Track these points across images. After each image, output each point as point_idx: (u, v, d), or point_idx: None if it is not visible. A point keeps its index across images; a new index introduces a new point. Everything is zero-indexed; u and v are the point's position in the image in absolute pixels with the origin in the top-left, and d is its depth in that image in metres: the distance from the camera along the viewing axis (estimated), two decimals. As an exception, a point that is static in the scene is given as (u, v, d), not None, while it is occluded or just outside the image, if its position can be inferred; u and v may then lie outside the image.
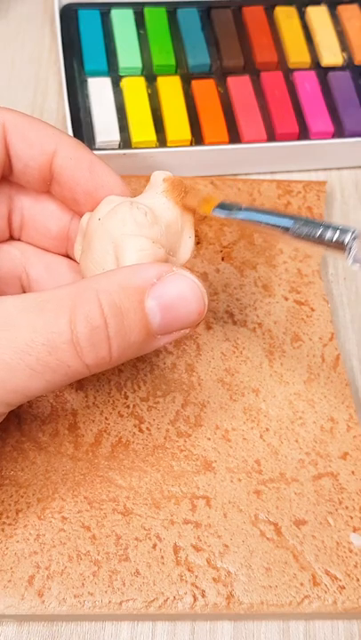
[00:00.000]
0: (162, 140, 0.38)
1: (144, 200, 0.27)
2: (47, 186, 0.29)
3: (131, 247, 0.25)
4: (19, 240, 0.31)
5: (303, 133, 0.40)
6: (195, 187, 0.27)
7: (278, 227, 0.26)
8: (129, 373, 0.32)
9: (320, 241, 0.25)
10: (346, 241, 0.24)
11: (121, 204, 0.26)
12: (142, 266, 0.24)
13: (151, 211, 0.26)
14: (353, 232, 0.25)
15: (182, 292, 0.23)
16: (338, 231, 0.25)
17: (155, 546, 0.28)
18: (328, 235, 0.25)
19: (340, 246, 0.25)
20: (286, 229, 0.26)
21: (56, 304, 0.23)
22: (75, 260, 0.29)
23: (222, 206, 0.27)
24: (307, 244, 0.25)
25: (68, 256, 0.31)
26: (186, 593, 0.27)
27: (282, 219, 0.26)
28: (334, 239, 0.25)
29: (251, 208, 0.27)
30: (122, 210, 0.26)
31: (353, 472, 0.30)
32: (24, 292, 0.30)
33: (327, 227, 0.25)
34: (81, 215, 0.28)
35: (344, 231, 0.24)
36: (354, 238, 0.25)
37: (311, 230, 0.25)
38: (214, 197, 0.28)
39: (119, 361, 0.24)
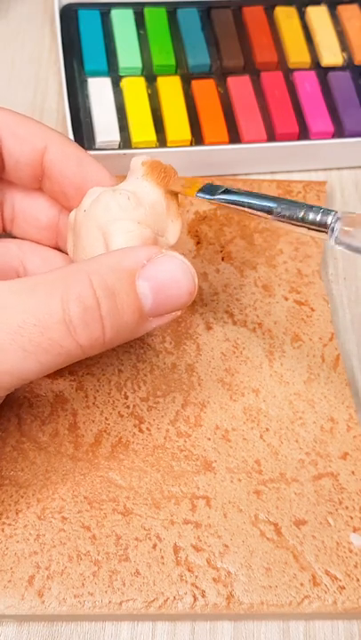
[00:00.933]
0: (162, 140, 0.38)
1: (126, 186, 0.27)
2: (38, 182, 0.30)
3: (117, 231, 0.25)
4: (10, 233, 0.32)
5: (303, 133, 0.40)
6: (173, 168, 0.28)
7: (262, 208, 0.26)
8: (129, 373, 0.32)
9: (303, 222, 0.25)
10: (328, 222, 0.24)
11: (103, 192, 0.27)
12: (132, 248, 0.24)
13: (134, 194, 0.26)
14: (335, 213, 0.25)
15: (173, 273, 0.24)
16: (320, 213, 0.25)
17: (155, 546, 0.28)
18: (311, 216, 0.25)
19: (322, 227, 0.25)
20: (270, 211, 0.26)
21: (48, 286, 0.23)
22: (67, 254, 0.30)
23: (206, 189, 0.27)
24: (290, 226, 0.26)
25: (59, 249, 0.32)
26: (186, 593, 0.27)
27: (265, 200, 0.26)
28: (317, 220, 0.25)
29: (234, 190, 0.27)
30: (105, 197, 0.26)
31: (353, 472, 0.30)
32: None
33: (310, 208, 0.25)
34: (70, 210, 0.29)
35: (326, 212, 0.25)
36: (336, 220, 0.25)
37: (294, 212, 0.25)
38: (198, 180, 0.28)
39: (112, 343, 0.24)
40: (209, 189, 0.27)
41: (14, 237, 0.32)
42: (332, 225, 0.25)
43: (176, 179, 0.28)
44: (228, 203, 0.27)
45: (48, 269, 0.30)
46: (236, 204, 0.27)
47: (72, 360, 0.23)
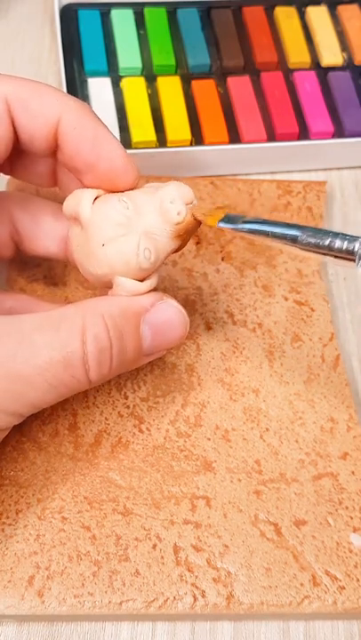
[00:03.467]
0: (162, 140, 0.38)
1: (150, 226, 0.26)
2: (54, 154, 0.28)
3: (124, 290, 0.27)
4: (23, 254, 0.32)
5: (303, 133, 0.40)
6: (201, 205, 0.27)
7: (286, 237, 0.26)
8: (129, 373, 0.32)
9: (328, 250, 0.25)
10: (355, 249, 0.24)
11: (126, 238, 0.26)
12: (142, 296, 0.27)
13: (154, 248, 0.26)
14: None
15: (171, 319, 0.27)
16: (346, 240, 0.25)
17: (155, 546, 0.28)
18: (337, 244, 0.25)
19: (349, 255, 0.25)
20: (294, 240, 0.26)
21: (69, 324, 0.25)
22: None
23: (228, 219, 0.27)
24: (314, 254, 0.26)
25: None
26: (186, 593, 0.27)
27: (289, 229, 0.26)
28: (343, 248, 0.25)
29: (255, 220, 0.27)
30: (127, 248, 0.26)
31: (353, 472, 0.30)
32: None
33: (335, 235, 0.25)
34: (80, 181, 0.28)
35: (352, 240, 0.25)
36: None
37: (319, 240, 0.25)
38: (219, 209, 0.28)
39: (112, 377, 0.27)
40: (230, 219, 0.27)
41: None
42: (360, 252, 0.25)
43: (198, 205, 0.27)
44: (252, 232, 0.27)
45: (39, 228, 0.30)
46: (259, 234, 0.27)
47: (78, 391, 0.26)
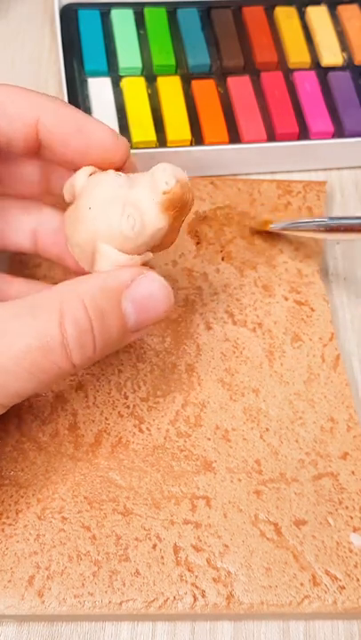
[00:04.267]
0: (162, 140, 0.38)
1: (138, 197, 0.26)
2: (36, 153, 0.29)
3: (106, 260, 0.26)
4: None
5: (303, 133, 0.40)
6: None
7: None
8: (129, 373, 0.32)
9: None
10: None
11: (113, 203, 0.26)
12: (118, 270, 0.26)
13: (139, 217, 0.26)
14: None
15: (153, 293, 0.26)
16: None
17: (155, 546, 0.28)
18: None
19: None
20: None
21: (46, 309, 0.24)
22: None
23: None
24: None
25: None
26: (186, 593, 0.27)
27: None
28: None
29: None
30: (112, 214, 0.26)
31: (353, 472, 0.30)
32: None
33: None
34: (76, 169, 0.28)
35: None
36: None
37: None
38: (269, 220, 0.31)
39: (99, 358, 0.26)
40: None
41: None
42: None
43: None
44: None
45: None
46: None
47: (64, 377, 0.25)
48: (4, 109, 0.27)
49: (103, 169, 0.28)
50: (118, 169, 0.28)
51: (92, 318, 0.24)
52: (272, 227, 0.33)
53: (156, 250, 0.27)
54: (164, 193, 0.26)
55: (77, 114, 0.28)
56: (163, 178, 0.26)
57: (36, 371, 0.24)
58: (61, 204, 0.29)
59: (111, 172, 0.27)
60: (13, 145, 0.28)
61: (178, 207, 0.26)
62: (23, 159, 0.30)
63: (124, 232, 0.26)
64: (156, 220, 0.26)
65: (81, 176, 0.27)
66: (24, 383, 0.24)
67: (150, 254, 0.27)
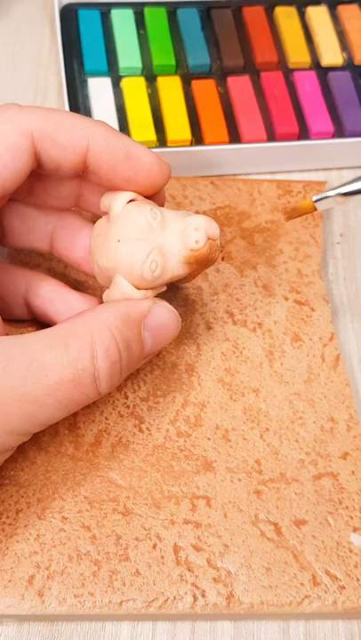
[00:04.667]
0: (162, 140, 0.38)
1: (166, 243, 0.27)
2: (79, 176, 0.29)
3: (120, 291, 0.27)
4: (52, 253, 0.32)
5: (303, 133, 0.40)
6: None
7: None
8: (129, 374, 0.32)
9: None
10: None
11: (141, 244, 0.26)
12: (136, 302, 0.27)
13: (161, 264, 0.27)
14: None
15: (166, 322, 0.27)
16: None
17: (155, 546, 0.28)
18: None
19: None
20: None
21: (77, 340, 0.25)
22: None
23: (321, 205, 0.30)
24: None
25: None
26: (186, 593, 0.27)
27: None
28: None
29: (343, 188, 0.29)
30: (137, 255, 0.26)
31: (353, 472, 0.30)
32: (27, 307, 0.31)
33: None
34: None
35: None
36: None
37: None
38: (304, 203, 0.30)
39: (119, 385, 0.27)
40: (325, 205, 0.29)
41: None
42: None
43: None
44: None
45: (53, 296, 0.31)
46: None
47: (86, 404, 0.26)
48: (56, 138, 0.27)
49: (145, 194, 0.28)
50: (157, 193, 0.29)
51: (120, 349, 0.25)
52: (316, 200, 0.30)
53: (170, 284, 0.28)
54: (192, 250, 0.27)
55: (125, 140, 0.28)
56: (194, 236, 0.27)
57: (67, 401, 0.25)
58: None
59: (148, 208, 0.27)
60: (62, 170, 0.28)
61: (202, 263, 0.27)
62: (62, 179, 0.30)
63: (144, 275, 0.27)
64: (176, 269, 0.27)
65: (120, 202, 0.28)
66: (54, 413, 0.25)
67: (164, 287, 0.28)
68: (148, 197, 0.29)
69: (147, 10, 0.42)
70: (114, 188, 0.28)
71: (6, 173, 0.26)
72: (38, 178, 0.29)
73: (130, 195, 0.28)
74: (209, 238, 0.27)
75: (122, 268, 0.27)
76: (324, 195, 0.29)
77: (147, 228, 0.27)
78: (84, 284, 0.34)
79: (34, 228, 0.31)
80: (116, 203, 0.28)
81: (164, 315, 0.27)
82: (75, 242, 0.31)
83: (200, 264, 0.27)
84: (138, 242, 0.26)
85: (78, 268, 0.31)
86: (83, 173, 0.28)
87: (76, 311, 0.29)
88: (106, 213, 0.29)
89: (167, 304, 0.27)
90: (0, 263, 0.31)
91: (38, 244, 0.31)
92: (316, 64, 0.42)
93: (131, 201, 0.28)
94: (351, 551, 0.29)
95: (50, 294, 0.30)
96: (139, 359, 0.27)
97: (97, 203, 0.30)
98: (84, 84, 0.40)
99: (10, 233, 0.31)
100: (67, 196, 0.30)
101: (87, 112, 0.39)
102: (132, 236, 0.27)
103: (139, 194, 0.28)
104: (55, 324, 0.29)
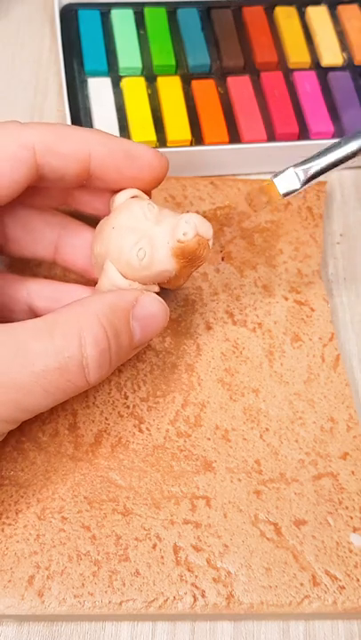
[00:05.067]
0: (162, 140, 0.38)
1: (157, 235, 0.27)
2: (82, 185, 0.29)
3: (108, 280, 0.27)
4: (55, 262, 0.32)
5: (303, 133, 0.40)
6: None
7: (346, 159, 0.27)
8: (129, 373, 0.32)
9: None
10: None
11: (132, 231, 0.27)
12: (123, 290, 0.27)
13: (150, 253, 0.27)
14: None
15: (154, 312, 0.27)
16: None
17: (155, 546, 0.28)
18: None
19: None
20: (354, 155, 0.27)
21: (65, 329, 0.25)
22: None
23: (287, 189, 0.28)
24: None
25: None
26: (186, 593, 0.27)
27: (338, 150, 0.27)
28: None
29: (305, 165, 0.27)
30: (127, 241, 0.27)
31: (353, 472, 0.30)
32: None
33: None
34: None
35: None
36: None
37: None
38: (264, 187, 0.28)
39: (109, 374, 0.27)
40: (289, 188, 0.27)
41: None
42: None
43: (253, 193, 0.28)
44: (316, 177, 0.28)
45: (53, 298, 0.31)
46: (323, 173, 0.27)
47: (76, 394, 0.26)
48: (57, 149, 0.27)
49: (149, 188, 0.29)
50: (158, 185, 0.29)
51: (109, 337, 0.25)
52: (288, 197, 0.29)
53: (162, 285, 0.29)
54: (179, 241, 0.27)
55: (123, 141, 0.29)
56: (183, 228, 0.27)
57: (53, 389, 0.25)
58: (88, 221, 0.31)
59: (146, 202, 0.28)
60: (65, 180, 0.28)
61: (188, 258, 0.27)
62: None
63: (130, 261, 0.27)
64: (163, 261, 0.27)
65: (123, 195, 0.29)
66: (40, 400, 0.25)
67: (157, 287, 0.28)
68: (148, 193, 0.29)
69: (147, 10, 0.42)
70: (119, 189, 0.29)
71: (2, 183, 0.27)
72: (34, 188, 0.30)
73: (133, 190, 0.29)
74: (199, 235, 0.27)
75: (111, 254, 0.27)
76: (285, 190, 0.28)
77: (141, 218, 0.27)
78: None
79: (38, 238, 0.31)
80: (119, 196, 0.29)
81: (153, 304, 0.27)
82: (79, 250, 0.31)
83: (188, 260, 0.27)
84: (130, 229, 0.27)
85: (84, 275, 0.31)
86: (87, 181, 0.29)
87: None
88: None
89: (155, 294, 0.28)
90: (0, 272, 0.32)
91: (42, 253, 0.31)
92: (316, 64, 0.42)
93: (133, 197, 0.29)
94: (351, 551, 0.29)
95: (55, 293, 0.31)
96: (128, 349, 0.27)
97: (89, 201, 0.31)
98: (84, 84, 0.40)
99: (14, 242, 0.31)
100: (60, 196, 0.31)
101: (87, 112, 0.39)
102: (126, 224, 0.27)
103: (143, 190, 0.29)
104: None
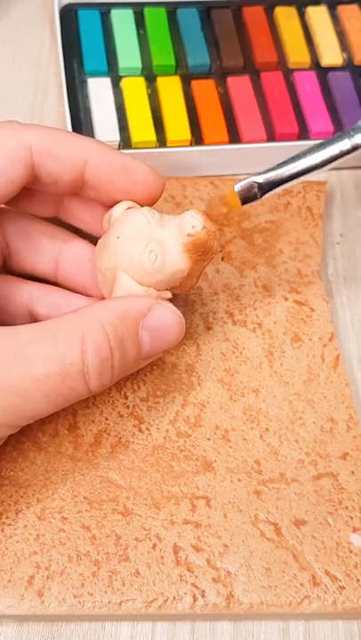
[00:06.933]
0: (162, 141, 0.38)
1: (164, 236, 0.27)
2: (76, 192, 0.29)
3: (122, 288, 0.27)
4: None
5: (303, 133, 0.40)
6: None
7: (307, 171, 0.27)
8: (129, 374, 0.32)
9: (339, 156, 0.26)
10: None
11: (140, 237, 0.27)
12: (136, 298, 0.27)
13: (161, 255, 0.27)
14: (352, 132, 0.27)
15: (168, 323, 0.27)
16: (343, 138, 0.26)
17: (155, 546, 0.28)
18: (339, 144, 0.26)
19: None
20: (315, 168, 0.27)
21: (67, 335, 0.25)
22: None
23: (246, 198, 0.27)
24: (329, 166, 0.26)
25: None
26: (186, 593, 0.27)
27: (300, 160, 0.27)
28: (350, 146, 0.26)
29: (268, 176, 0.27)
30: (136, 247, 0.27)
31: (353, 472, 0.30)
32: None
33: (330, 141, 0.26)
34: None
35: (348, 135, 0.26)
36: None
37: (328, 149, 0.26)
38: (226, 196, 0.28)
39: (112, 384, 0.27)
40: (249, 197, 0.27)
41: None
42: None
43: (213, 203, 0.28)
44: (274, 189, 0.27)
45: (54, 304, 0.30)
46: (283, 185, 0.27)
47: (78, 400, 0.26)
48: (55, 152, 0.27)
49: (141, 205, 0.29)
50: (152, 204, 0.29)
51: (112, 346, 0.25)
52: (245, 206, 0.29)
53: (175, 290, 0.28)
54: (189, 235, 0.27)
55: (120, 154, 0.28)
56: (190, 222, 0.27)
57: (54, 395, 0.24)
58: (90, 239, 0.31)
59: (145, 209, 0.28)
60: (59, 185, 0.28)
61: (201, 251, 0.27)
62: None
63: (143, 265, 0.26)
64: (176, 260, 0.27)
65: (119, 208, 0.28)
66: (41, 406, 0.25)
67: (169, 293, 0.28)
68: None
69: (147, 10, 0.42)
70: (112, 203, 0.29)
71: (0, 181, 0.27)
72: (27, 192, 0.30)
73: (129, 202, 0.29)
74: (205, 227, 0.27)
75: (122, 263, 0.27)
76: (249, 203, 0.28)
77: (144, 224, 0.27)
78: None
79: (39, 250, 0.31)
80: (116, 209, 0.29)
81: (167, 315, 0.27)
82: (81, 266, 0.31)
83: (200, 253, 0.27)
84: (136, 235, 0.27)
85: (86, 293, 0.31)
86: (81, 190, 0.29)
87: None
88: (107, 225, 0.29)
89: (170, 304, 0.27)
90: (0, 276, 0.31)
91: (43, 267, 0.31)
92: (316, 64, 0.42)
93: (128, 209, 0.28)
94: (351, 551, 0.29)
95: (56, 300, 0.30)
96: (136, 359, 0.27)
97: (79, 213, 0.31)
98: (83, 84, 0.40)
99: (15, 254, 0.31)
100: (52, 204, 0.31)
101: (87, 112, 0.39)
102: (131, 232, 0.27)
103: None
104: None
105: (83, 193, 0.29)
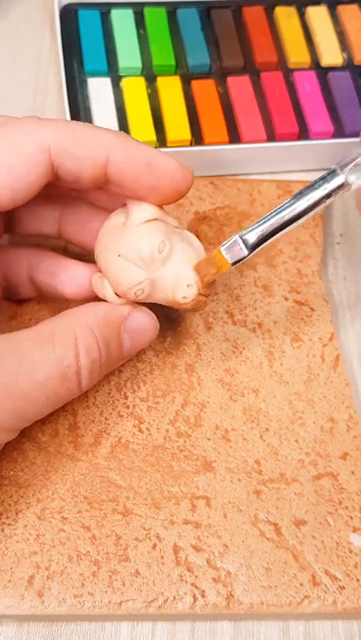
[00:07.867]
0: (162, 140, 0.38)
1: (161, 279, 0.28)
2: (99, 187, 0.28)
3: (101, 293, 0.29)
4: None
5: (303, 133, 0.40)
6: (223, 268, 0.28)
7: (296, 219, 0.27)
8: (129, 374, 0.32)
9: (329, 196, 0.26)
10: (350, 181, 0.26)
11: (135, 269, 0.27)
12: (118, 305, 0.28)
13: (148, 292, 0.28)
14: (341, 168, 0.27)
15: (145, 326, 0.29)
16: (334, 177, 0.26)
17: (155, 546, 0.28)
18: (330, 186, 0.26)
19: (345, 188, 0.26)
20: (301, 215, 0.27)
21: (62, 338, 0.26)
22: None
23: (236, 258, 0.28)
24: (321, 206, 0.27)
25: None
26: (186, 593, 0.27)
27: (286, 210, 0.27)
28: (338, 185, 0.26)
29: (252, 230, 0.27)
30: (130, 275, 0.28)
31: (353, 472, 0.30)
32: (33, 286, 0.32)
33: (321, 182, 0.26)
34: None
35: (334, 174, 0.26)
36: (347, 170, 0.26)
37: (315, 196, 0.26)
38: (215, 256, 0.28)
39: (97, 382, 0.28)
40: (238, 255, 0.28)
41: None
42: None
43: (202, 264, 0.28)
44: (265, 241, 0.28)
45: (55, 274, 0.31)
46: (273, 236, 0.28)
47: (69, 400, 0.27)
48: (73, 151, 0.26)
49: (169, 201, 0.28)
50: (179, 199, 0.29)
51: (100, 348, 0.27)
52: (235, 265, 0.28)
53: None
54: (176, 302, 0.28)
55: (145, 148, 0.27)
56: (184, 292, 0.28)
57: (54, 396, 0.26)
58: None
59: (160, 239, 0.27)
60: (81, 182, 0.28)
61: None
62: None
63: (127, 295, 0.28)
64: (161, 301, 0.29)
65: (140, 216, 0.28)
66: (41, 408, 0.26)
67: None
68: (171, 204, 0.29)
69: (147, 10, 0.42)
70: (138, 199, 0.28)
71: (19, 185, 0.26)
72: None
73: (152, 214, 0.28)
74: (201, 294, 0.28)
75: (111, 279, 0.28)
76: (234, 260, 0.28)
77: (148, 260, 0.27)
78: (86, 257, 0.34)
79: (41, 215, 0.31)
80: (137, 215, 0.28)
81: (143, 318, 0.29)
82: (85, 226, 0.31)
83: (184, 310, 0.29)
84: (134, 266, 0.27)
85: (89, 250, 0.31)
86: (104, 185, 0.28)
87: (79, 280, 0.30)
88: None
89: (146, 309, 0.29)
90: (1, 247, 0.32)
91: (47, 229, 0.32)
92: (316, 64, 0.42)
93: (148, 221, 0.28)
94: (351, 551, 0.29)
95: (52, 267, 0.31)
96: (117, 359, 0.28)
97: (106, 200, 0.30)
98: (83, 84, 0.40)
99: (18, 221, 0.31)
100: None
101: (87, 112, 0.39)
102: (133, 258, 0.27)
103: (164, 201, 0.28)
104: (61, 295, 0.31)
105: (107, 189, 0.28)
